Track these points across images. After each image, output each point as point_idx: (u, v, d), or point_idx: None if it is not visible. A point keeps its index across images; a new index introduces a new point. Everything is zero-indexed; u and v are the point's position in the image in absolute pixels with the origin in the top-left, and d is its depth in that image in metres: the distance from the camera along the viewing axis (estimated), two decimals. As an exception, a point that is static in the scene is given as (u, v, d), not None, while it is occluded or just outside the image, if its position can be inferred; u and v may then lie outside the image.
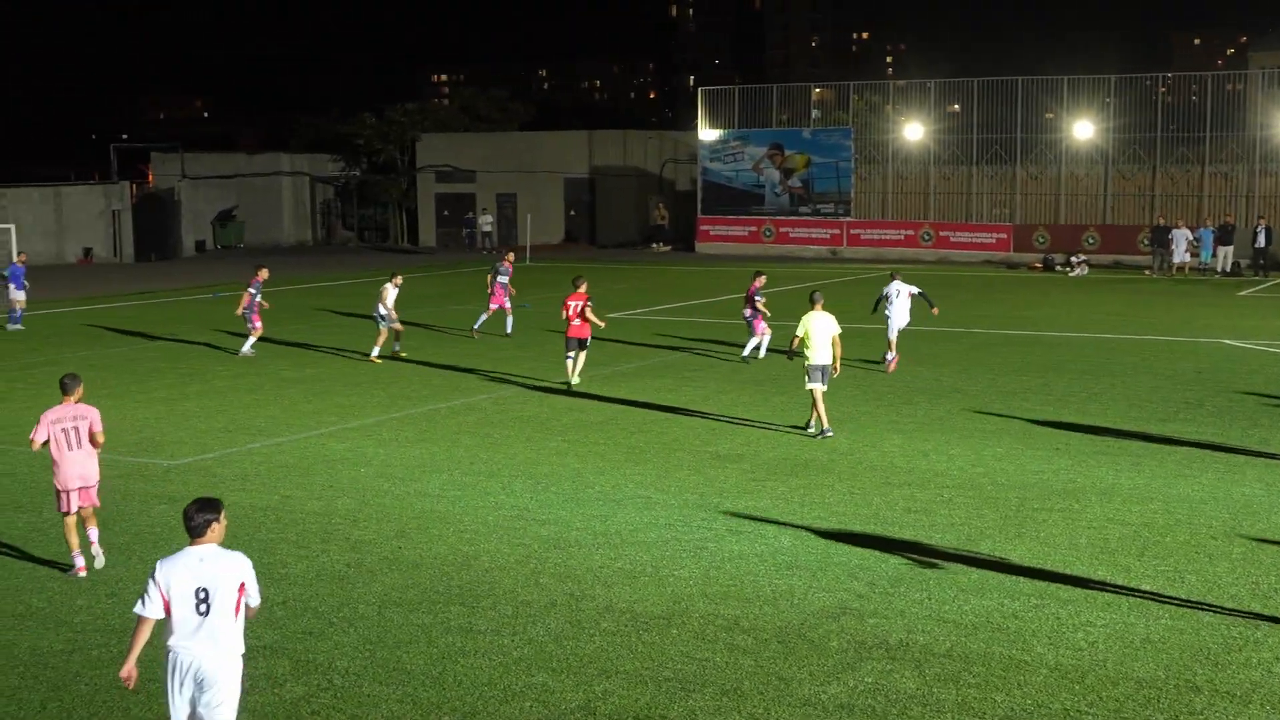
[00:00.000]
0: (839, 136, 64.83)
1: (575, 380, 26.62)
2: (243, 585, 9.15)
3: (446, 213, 75.30)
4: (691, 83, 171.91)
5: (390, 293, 30.65)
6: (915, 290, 29.36)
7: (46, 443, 14.83)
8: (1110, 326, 36.24)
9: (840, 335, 21.94)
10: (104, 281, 53.67)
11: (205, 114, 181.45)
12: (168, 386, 27.56)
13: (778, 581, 14.25)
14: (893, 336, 29.09)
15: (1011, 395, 25.53)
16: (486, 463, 20.09)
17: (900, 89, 67.53)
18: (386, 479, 19.10)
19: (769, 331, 29.91)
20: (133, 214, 67.12)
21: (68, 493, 14.92)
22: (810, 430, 22.01)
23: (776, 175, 65.68)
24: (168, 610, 9.00)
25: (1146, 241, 55.95)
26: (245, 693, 9.51)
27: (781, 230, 65.06)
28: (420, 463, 20.17)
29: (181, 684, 9.02)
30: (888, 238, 62.68)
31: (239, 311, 31.83)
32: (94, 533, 15.21)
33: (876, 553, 15.24)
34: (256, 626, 12.92)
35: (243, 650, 9.18)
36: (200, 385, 27.67)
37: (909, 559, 14.99)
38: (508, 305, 35.06)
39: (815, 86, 71.69)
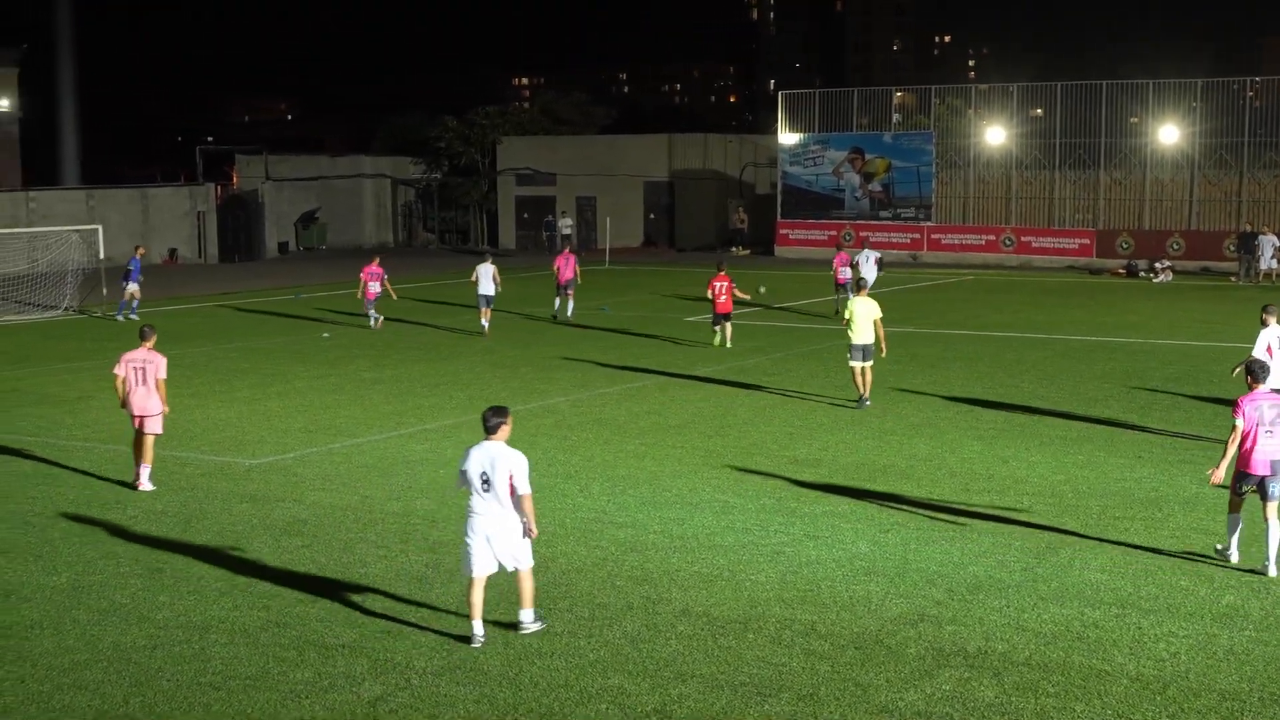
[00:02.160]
0: (920, 140, 64.49)
1: (727, 344, 32.27)
2: (511, 475, 12.15)
3: (526, 215, 75.61)
4: (772, 86, 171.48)
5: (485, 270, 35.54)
6: (879, 255, 39.83)
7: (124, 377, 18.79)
8: (1195, 334, 35.77)
9: (881, 319, 24.75)
10: (188, 282, 54.32)
11: (289, 116, 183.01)
12: (250, 386, 27.86)
13: (855, 587, 14.19)
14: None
15: (1094, 402, 25.27)
16: (564, 465, 20.14)
17: (982, 93, 66.91)
18: (465, 480, 19.17)
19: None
20: (217, 215, 67.98)
21: (133, 417, 18.75)
22: (865, 403, 24.72)
23: (857, 179, 65.39)
24: (466, 485, 12.37)
25: (1232, 248, 55.20)
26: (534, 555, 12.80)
27: (861, 234, 64.54)
28: (498, 464, 20.22)
29: (475, 537, 12.35)
30: (969, 242, 62.24)
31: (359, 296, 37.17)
32: (145, 468, 18.65)
33: (955, 560, 15.14)
34: (335, 625, 13.06)
35: (519, 517, 12.29)
36: (281, 385, 27.95)
37: (988, 566, 14.88)
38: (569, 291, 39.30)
39: (896, 90, 71.14)
